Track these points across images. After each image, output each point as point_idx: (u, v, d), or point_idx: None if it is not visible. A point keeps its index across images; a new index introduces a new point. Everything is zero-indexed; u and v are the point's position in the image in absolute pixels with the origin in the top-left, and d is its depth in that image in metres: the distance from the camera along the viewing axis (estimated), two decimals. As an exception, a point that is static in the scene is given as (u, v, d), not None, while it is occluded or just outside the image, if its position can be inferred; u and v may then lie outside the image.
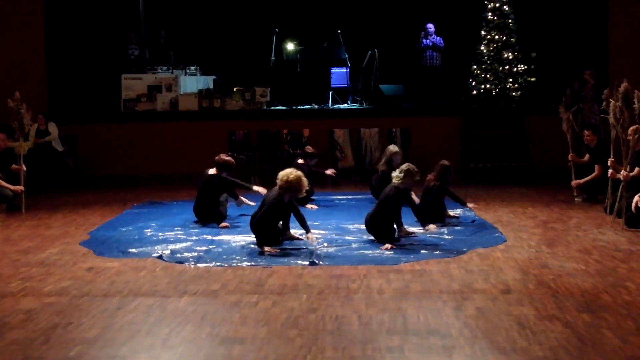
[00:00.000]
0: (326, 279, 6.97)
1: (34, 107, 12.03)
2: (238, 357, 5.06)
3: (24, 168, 11.06)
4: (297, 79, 16.43)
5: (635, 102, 8.99)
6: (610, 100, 9.38)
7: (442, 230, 9.05)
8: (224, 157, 9.92)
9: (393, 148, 11.01)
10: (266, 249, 8.05)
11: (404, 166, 8.60)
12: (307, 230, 8.22)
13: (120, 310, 6.09)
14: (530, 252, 7.94)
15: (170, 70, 16.38)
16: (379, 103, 15.97)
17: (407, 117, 15.31)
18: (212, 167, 9.86)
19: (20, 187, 10.87)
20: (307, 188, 8.46)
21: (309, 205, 10.84)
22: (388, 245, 8.13)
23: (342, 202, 11.48)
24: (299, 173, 8.24)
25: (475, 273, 7.12)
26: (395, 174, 8.59)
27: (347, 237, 8.77)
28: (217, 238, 8.83)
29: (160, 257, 7.93)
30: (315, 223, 9.32)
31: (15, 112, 10.86)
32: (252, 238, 8.45)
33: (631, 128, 9.26)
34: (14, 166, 11.07)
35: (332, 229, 9.29)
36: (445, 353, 5.05)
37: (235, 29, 17.65)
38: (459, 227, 9.34)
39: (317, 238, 8.38)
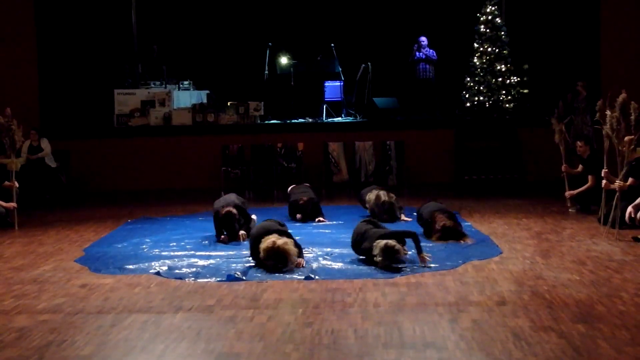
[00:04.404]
0: (322, 293, 6.95)
1: (26, 123, 12.01)
2: (233, 372, 5.05)
3: (17, 185, 11.02)
4: (290, 92, 16.44)
5: (632, 113, 9.00)
6: (607, 111, 9.39)
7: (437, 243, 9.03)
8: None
9: (382, 196, 10.61)
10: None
11: (381, 248, 7.77)
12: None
13: (115, 327, 6.05)
14: (525, 264, 7.93)
15: (164, 85, 16.39)
16: (372, 116, 16.01)
17: (401, 130, 15.36)
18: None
19: (13, 204, 10.85)
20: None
21: (319, 219, 10.81)
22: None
23: (337, 215, 11.42)
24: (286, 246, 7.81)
25: (471, 285, 7.11)
26: (375, 253, 7.82)
27: (342, 251, 8.72)
28: (213, 253, 8.79)
29: (157, 273, 7.89)
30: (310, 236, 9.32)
31: (6, 129, 10.83)
32: (247, 252, 8.45)
33: (626, 138, 9.27)
34: (6, 183, 11.00)
35: (327, 242, 9.26)
36: (441, 366, 5.04)
37: (228, 43, 17.66)
38: (453, 240, 9.31)
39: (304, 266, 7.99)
